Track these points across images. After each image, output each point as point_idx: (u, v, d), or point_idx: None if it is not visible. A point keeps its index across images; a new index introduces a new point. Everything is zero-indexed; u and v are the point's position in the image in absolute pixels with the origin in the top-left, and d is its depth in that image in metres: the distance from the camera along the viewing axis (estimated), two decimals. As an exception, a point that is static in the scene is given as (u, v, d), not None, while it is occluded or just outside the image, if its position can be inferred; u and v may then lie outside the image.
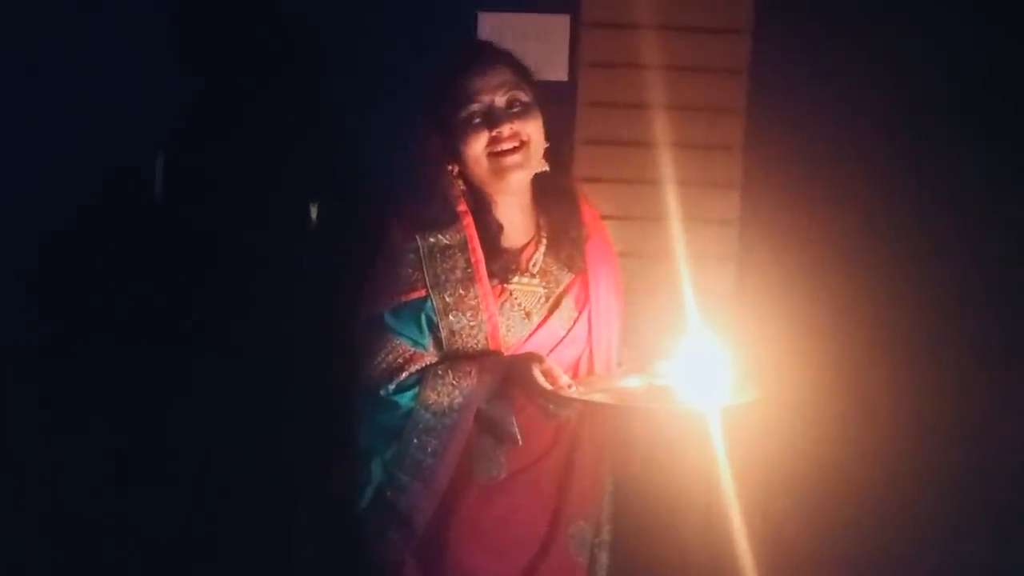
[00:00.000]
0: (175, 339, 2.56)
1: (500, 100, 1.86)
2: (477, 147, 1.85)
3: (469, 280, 1.85)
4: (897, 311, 2.45)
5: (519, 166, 1.87)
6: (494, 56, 1.92)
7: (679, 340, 1.84)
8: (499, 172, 1.86)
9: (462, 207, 1.88)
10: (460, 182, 1.90)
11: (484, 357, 1.84)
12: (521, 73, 1.92)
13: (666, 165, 2.44)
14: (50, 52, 2.55)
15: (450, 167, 1.89)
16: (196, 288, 2.57)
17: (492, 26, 2.53)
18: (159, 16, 2.58)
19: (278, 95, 2.60)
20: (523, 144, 1.86)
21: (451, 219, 1.87)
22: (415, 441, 1.82)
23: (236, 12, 2.60)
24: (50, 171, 2.55)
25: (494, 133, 1.85)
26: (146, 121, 2.55)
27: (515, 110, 1.87)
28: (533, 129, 1.88)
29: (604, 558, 2.02)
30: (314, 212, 2.60)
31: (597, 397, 1.79)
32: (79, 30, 2.56)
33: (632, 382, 1.86)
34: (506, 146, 1.85)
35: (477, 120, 1.85)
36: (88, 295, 2.57)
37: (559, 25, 2.55)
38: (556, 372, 1.78)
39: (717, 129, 2.53)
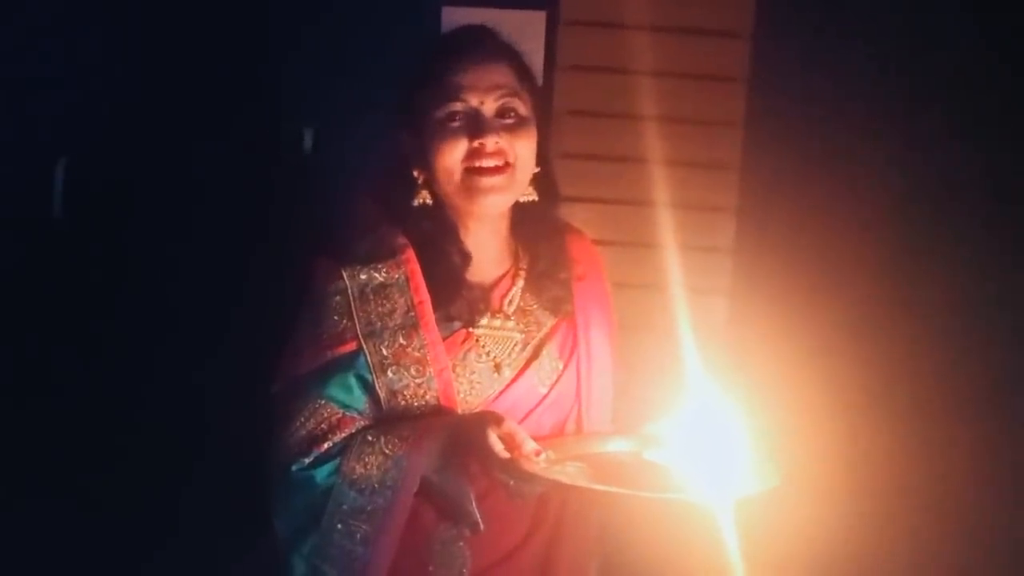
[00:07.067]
0: (73, 363, 2.38)
1: (491, 105, 1.54)
2: (452, 157, 1.53)
3: (412, 326, 1.53)
4: (927, 360, 2.14)
5: (498, 190, 1.54)
6: (494, 49, 1.59)
7: (675, 398, 1.51)
8: (473, 192, 1.54)
9: (401, 239, 1.56)
10: (426, 194, 1.58)
11: (429, 417, 1.52)
12: (524, 77, 1.59)
13: (653, 183, 2.19)
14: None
15: (416, 174, 1.57)
16: (97, 308, 2.37)
17: (457, 22, 2.26)
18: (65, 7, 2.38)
19: (211, 93, 2.37)
20: (508, 165, 1.54)
21: (389, 251, 1.55)
22: (339, 527, 1.49)
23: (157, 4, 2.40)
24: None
25: (475, 144, 1.52)
26: (47, 124, 2.34)
27: (507, 121, 1.54)
28: (524, 148, 1.55)
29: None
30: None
31: (570, 470, 1.45)
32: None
33: (616, 446, 1.54)
34: (487, 163, 1.53)
35: (457, 123, 1.53)
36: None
37: (533, 23, 2.31)
38: (519, 436, 1.42)
39: (711, 143, 2.29)
